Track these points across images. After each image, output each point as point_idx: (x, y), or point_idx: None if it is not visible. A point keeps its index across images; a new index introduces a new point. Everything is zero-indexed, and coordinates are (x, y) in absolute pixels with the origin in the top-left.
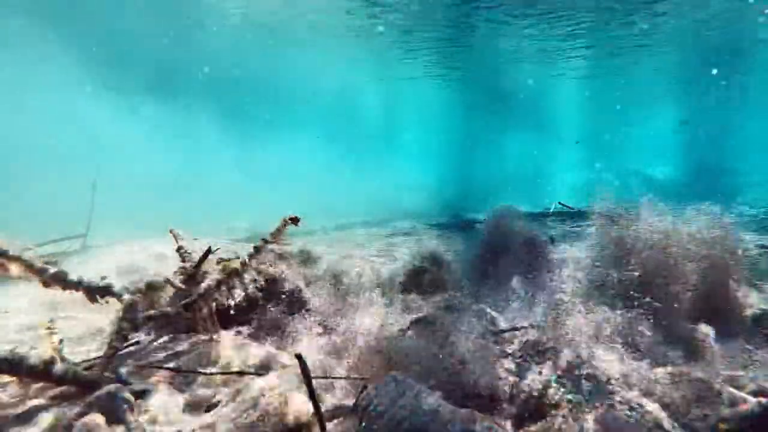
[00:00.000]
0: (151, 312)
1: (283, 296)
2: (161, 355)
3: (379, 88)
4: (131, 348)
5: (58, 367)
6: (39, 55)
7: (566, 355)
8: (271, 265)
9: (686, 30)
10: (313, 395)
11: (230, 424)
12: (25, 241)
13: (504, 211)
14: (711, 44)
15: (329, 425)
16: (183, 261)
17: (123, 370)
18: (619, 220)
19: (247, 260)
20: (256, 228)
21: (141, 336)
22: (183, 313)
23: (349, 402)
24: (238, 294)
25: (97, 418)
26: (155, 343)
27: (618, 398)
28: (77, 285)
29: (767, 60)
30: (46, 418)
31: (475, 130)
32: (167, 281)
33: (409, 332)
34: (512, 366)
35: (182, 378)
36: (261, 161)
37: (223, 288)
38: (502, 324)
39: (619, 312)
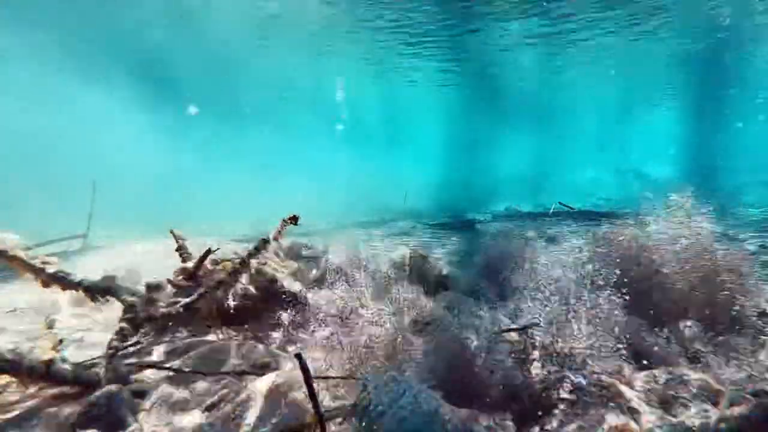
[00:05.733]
0: (152, 312)
1: (284, 296)
2: (161, 355)
3: (378, 88)
4: (131, 348)
5: (58, 367)
6: (37, 58)
7: (567, 356)
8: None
9: (684, 26)
10: (313, 395)
11: (230, 423)
12: (25, 241)
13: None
14: (709, 41)
15: (329, 425)
16: (183, 261)
17: (123, 370)
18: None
19: (247, 260)
20: (256, 227)
21: (141, 336)
22: (183, 313)
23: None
24: (239, 294)
25: None
26: (155, 343)
27: (619, 399)
28: (78, 285)
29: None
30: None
31: (475, 130)
32: (168, 281)
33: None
34: (513, 365)
35: (182, 378)
36: (260, 161)
37: (224, 288)
38: (504, 323)
39: (620, 312)
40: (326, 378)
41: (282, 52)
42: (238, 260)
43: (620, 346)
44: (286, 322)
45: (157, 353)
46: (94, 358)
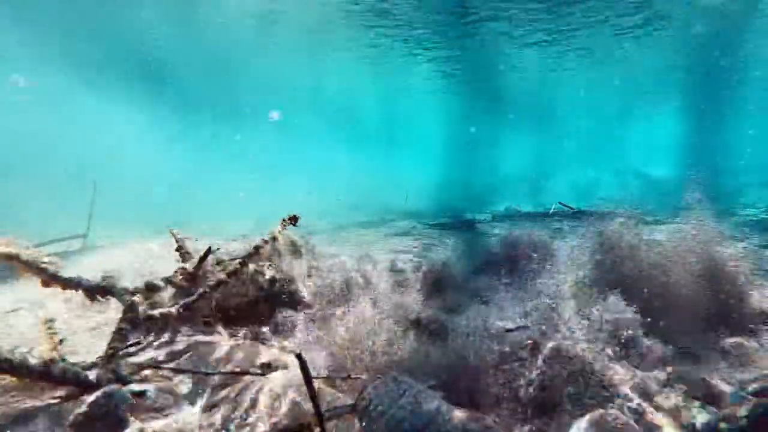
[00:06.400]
0: (152, 312)
1: (283, 296)
2: (161, 355)
3: (378, 88)
4: (131, 348)
5: (58, 367)
6: (36, 58)
7: (566, 355)
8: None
9: (683, 27)
10: (313, 395)
11: (230, 423)
12: (25, 240)
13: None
14: (709, 41)
15: (329, 425)
16: (183, 261)
17: (123, 370)
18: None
19: (247, 260)
20: (255, 228)
21: (141, 336)
22: (183, 313)
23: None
24: (238, 294)
25: None
26: (155, 343)
27: (617, 398)
28: (77, 285)
29: (766, 57)
30: None
31: (475, 130)
32: (168, 281)
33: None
34: (514, 365)
35: (182, 378)
36: (260, 162)
37: (223, 287)
38: (505, 324)
39: (620, 310)
40: (326, 378)
41: (282, 52)
42: (238, 261)
43: (621, 345)
44: (286, 322)
45: (157, 353)
46: (94, 358)
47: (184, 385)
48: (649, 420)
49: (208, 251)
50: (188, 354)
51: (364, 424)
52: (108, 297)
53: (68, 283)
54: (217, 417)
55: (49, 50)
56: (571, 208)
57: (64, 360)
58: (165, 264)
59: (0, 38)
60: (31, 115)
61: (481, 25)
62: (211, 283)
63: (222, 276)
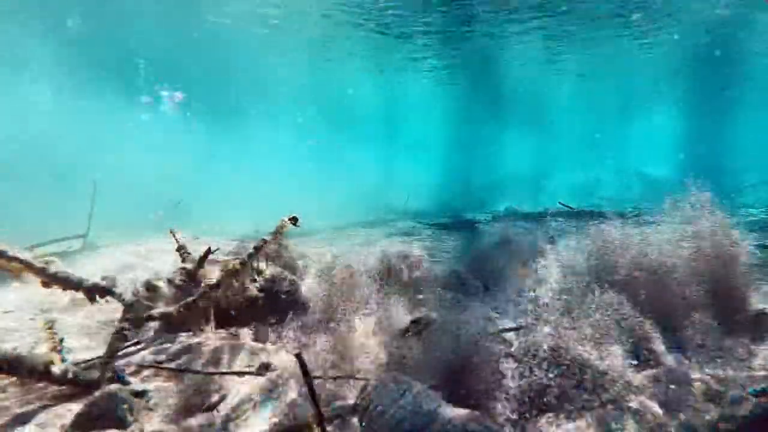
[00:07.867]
0: (152, 312)
1: (283, 296)
2: (161, 355)
3: (378, 88)
4: (131, 348)
5: (58, 367)
6: (36, 60)
7: (566, 354)
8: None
9: (683, 26)
10: (313, 395)
11: (230, 424)
12: (25, 240)
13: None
14: (708, 41)
15: (329, 425)
16: (183, 261)
17: (123, 370)
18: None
19: (247, 260)
20: (255, 228)
21: (141, 336)
22: (183, 313)
23: (350, 402)
24: (238, 293)
25: None
26: (155, 343)
27: (617, 398)
28: (77, 285)
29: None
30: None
31: (474, 130)
32: (168, 281)
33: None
34: (513, 365)
35: (182, 378)
36: (258, 161)
37: (223, 288)
38: (503, 323)
39: (620, 310)
40: (326, 378)
41: (284, 53)
42: (238, 261)
43: (622, 345)
44: (286, 322)
45: (157, 353)
46: (94, 358)
47: (183, 385)
48: (649, 420)
49: (208, 251)
50: (188, 354)
51: (364, 424)
52: (108, 297)
53: (68, 284)
54: (217, 417)
55: (48, 50)
56: (571, 208)
57: (64, 360)
58: (164, 264)
59: (2, 39)
60: (31, 115)
61: (481, 25)
62: (212, 282)
63: (222, 276)
